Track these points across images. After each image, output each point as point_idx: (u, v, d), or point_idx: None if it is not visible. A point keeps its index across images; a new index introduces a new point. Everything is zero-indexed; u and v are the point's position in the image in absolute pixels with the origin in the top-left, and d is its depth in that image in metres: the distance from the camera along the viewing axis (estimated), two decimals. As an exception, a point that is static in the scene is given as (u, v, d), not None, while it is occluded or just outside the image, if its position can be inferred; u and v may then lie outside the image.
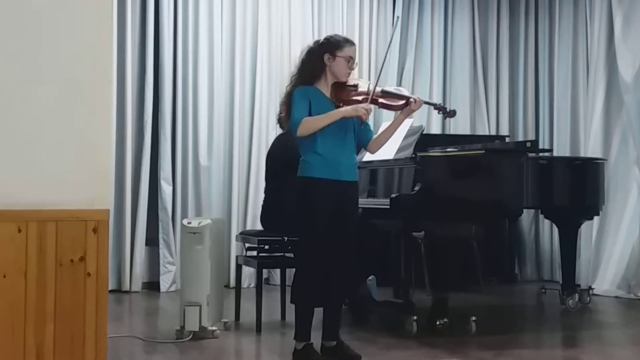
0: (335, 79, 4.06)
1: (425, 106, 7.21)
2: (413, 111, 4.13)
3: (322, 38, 4.19)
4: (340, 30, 7.23)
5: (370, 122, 4.32)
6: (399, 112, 4.16)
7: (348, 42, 4.09)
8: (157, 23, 6.85)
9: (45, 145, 3.23)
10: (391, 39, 4.56)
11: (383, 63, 4.59)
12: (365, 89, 4.09)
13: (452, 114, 4.32)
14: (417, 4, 7.68)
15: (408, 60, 7.64)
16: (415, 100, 4.10)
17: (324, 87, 4.06)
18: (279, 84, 6.90)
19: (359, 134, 4.12)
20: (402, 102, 4.16)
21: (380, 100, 4.11)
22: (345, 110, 3.96)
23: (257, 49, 7.12)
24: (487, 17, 8.01)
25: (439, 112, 4.38)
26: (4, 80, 3.19)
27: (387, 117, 7.22)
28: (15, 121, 3.19)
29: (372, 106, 4.03)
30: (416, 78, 7.64)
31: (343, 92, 4.06)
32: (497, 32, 8.02)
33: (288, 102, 4.04)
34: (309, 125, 3.91)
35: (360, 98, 4.04)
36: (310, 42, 4.25)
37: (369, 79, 6.53)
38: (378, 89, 4.11)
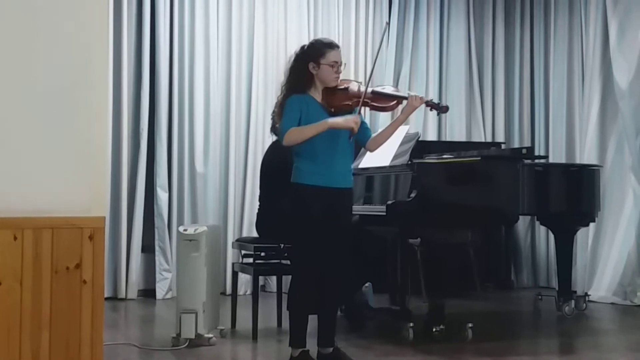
0: (324, 85, 4.04)
1: (421, 112, 7.33)
2: (414, 108, 4.08)
3: (306, 44, 4.12)
4: (336, 35, 7.24)
5: (367, 123, 4.29)
6: (393, 112, 4.12)
7: (331, 46, 4.03)
8: (152, 29, 6.85)
9: (41, 152, 3.22)
10: (380, 45, 4.53)
11: (372, 70, 4.57)
12: (356, 90, 4.07)
13: (445, 109, 4.24)
14: (413, 11, 7.68)
15: (404, 66, 7.64)
16: (413, 97, 4.06)
17: (316, 94, 4.03)
18: (275, 90, 6.88)
19: (357, 134, 4.09)
20: (393, 102, 4.15)
21: (372, 103, 4.10)
22: (334, 121, 3.92)
23: (253, 54, 7.12)
24: (483, 24, 8.01)
25: (431, 109, 4.26)
26: (-1, 87, 3.19)
27: (383, 118, 7.24)
28: (11, 129, 3.19)
29: (360, 117, 3.97)
30: (412, 84, 7.62)
31: (334, 97, 4.03)
32: (492, 39, 8.02)
33: (281, 112, 4.01)
34: (295, 135, 3.89)
35: (350, 102, 4.02)
36: (296, 49, 4.16)
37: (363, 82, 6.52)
38: (369, 89, 4.08)
